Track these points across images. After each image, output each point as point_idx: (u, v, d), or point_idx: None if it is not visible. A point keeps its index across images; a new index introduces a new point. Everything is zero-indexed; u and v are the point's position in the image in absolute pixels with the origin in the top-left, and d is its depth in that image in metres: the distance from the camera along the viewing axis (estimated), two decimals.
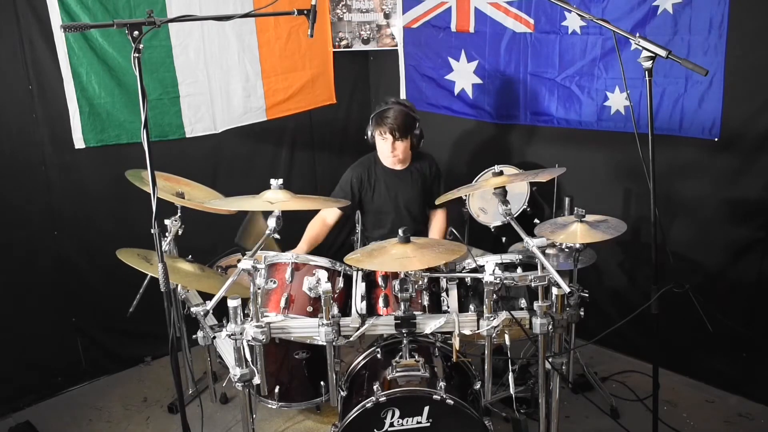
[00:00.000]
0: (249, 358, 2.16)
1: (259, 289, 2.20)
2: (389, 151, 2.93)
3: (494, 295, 2.18)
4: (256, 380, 2.18)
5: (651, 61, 1.98)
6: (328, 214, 3.03)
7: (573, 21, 3.16)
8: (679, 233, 3.03)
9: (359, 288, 2.42)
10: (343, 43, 4.06)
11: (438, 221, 3.17)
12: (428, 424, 2.17)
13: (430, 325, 2.22)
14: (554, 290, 2.03)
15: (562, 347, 2.14)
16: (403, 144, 2.92)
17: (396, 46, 4.02)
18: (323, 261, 2.50)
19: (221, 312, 2.19)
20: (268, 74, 3.70)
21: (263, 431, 2.86)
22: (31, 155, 3.00)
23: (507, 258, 2.43)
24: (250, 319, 2.14)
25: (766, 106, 2.66)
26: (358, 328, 2.24)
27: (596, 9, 3.01)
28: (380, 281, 2.43)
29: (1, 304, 2.98)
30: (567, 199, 2.83)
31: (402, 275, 2.28)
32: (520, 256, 2.42)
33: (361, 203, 3.12)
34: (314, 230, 3.01)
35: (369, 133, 2.96)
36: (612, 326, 2.27)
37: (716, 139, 2.82)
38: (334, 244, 4.02)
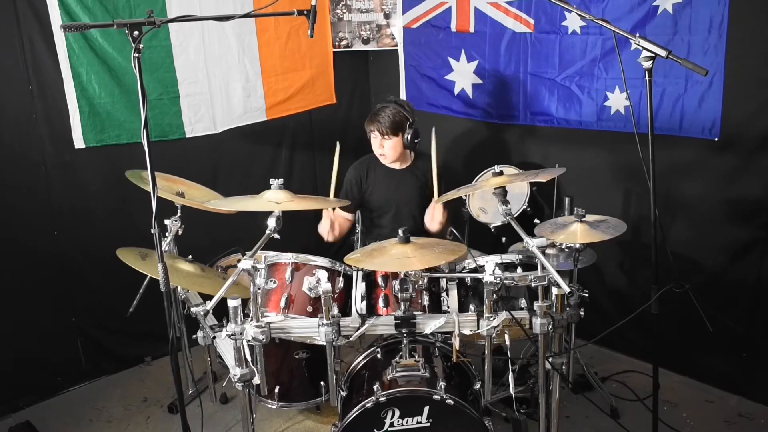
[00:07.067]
0: (249, 358, 2.15)
1: (259, 289, 2.20)
2: (377, 147, 2.99)
3: (494, 295, 2.18)
4: (256, 380, 2.17)
5: (651, 61, 1.98)
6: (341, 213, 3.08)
7: (573, 21, 3.15)
8: (679, 233, 3.03)
9: (359, 288, 2.42)
10: (343, 43, 4.06)
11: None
12: (428, 424, 2.17)
13: (430, 325, 2.22)
14: (554, 290, 2.03)
15: (562, 347, 2.14)
16: (391, 142, 2.94)
17: (396, 46, 4.01)
18: (323, 261, 2.50)
19: (221, 312, 2.19)
20: (268, 74, 3.70)
21: (263, 431, 2.86)
22: (31, 155, 3.00)
23: (507, 258, 2.43)
24: (250, 319, 2.14)
25: (766, 106, 2.66)
26: (358, 328, 2.24)
27: (596, 9, 3.01)
28: (380, 281, 2.43)
29: (1, 304, 2.97)
30: (567, 199, 2.84)
31: (402, 275, 2.29)
32: (520, 256, 2.42)
33: (362, 202, 3.13)
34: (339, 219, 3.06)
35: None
36: (612, 326, 2.27)
37: (716, 139, 2.81)
38: (334, 244, 4.01)
